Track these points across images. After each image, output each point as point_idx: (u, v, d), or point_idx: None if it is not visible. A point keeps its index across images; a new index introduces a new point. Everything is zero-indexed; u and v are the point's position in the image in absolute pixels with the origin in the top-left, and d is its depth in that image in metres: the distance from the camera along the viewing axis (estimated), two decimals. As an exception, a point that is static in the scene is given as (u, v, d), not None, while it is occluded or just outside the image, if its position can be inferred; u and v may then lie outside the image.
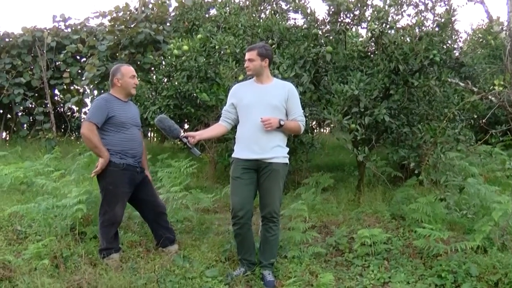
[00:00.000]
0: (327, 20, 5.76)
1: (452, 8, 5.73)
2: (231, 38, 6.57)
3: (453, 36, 5.90)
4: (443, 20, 5.73)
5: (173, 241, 4.74)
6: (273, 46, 5.96)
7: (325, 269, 4.38)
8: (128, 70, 4.49)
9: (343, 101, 5.31)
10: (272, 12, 6.83)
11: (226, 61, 6.23)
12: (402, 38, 5.68)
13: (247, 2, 8.36)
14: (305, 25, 5.89)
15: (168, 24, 11.86)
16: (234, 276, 4.15)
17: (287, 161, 4.25)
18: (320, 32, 5.64)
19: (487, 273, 3.97)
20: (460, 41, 7.94)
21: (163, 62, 9.78)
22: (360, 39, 5.91)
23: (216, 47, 6.88)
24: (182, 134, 4.13)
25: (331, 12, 5.79)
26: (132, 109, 4.61)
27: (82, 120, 13.52)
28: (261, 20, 6.37)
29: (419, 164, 5.56)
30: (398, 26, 5.75)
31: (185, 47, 7.34)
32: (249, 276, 4.22)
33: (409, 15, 5.77)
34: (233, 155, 4.25)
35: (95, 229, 4.80)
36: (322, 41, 5.77)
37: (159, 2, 12.27)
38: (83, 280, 3.89)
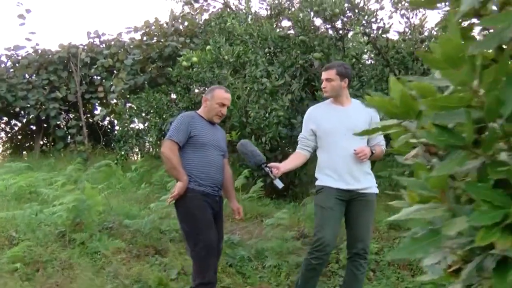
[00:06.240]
0: (318, 27, 5.68)
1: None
2: (239, 47, 6.56)
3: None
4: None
5: None
6: (267, 55, 5.90)
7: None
8: (220, 95, 3.92)
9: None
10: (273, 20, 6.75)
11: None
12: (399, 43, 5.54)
13: (266, 12, 8.35)
14: (296, 33, 5.82)
15: (200, 37, 11.97)
16: None
17: (377, 190, 3.90)
18: (307, 39, 5.51)
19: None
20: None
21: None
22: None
23: (225, 57, 6.87)
24: (264, 162, 3.79)
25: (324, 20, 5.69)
26: (218, 133, 4.06)
27: (115, 132, 13.83)
28: (258, 29, 6.28)
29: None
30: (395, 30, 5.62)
31: (194, 59, 7.40)
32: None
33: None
34: (321, 183, 3.81)
35: (84, 236, 4.87)
36: (316, 48, 5.65)
37: (191, 15, 12.47)
38: (54, 284, 3.96)
